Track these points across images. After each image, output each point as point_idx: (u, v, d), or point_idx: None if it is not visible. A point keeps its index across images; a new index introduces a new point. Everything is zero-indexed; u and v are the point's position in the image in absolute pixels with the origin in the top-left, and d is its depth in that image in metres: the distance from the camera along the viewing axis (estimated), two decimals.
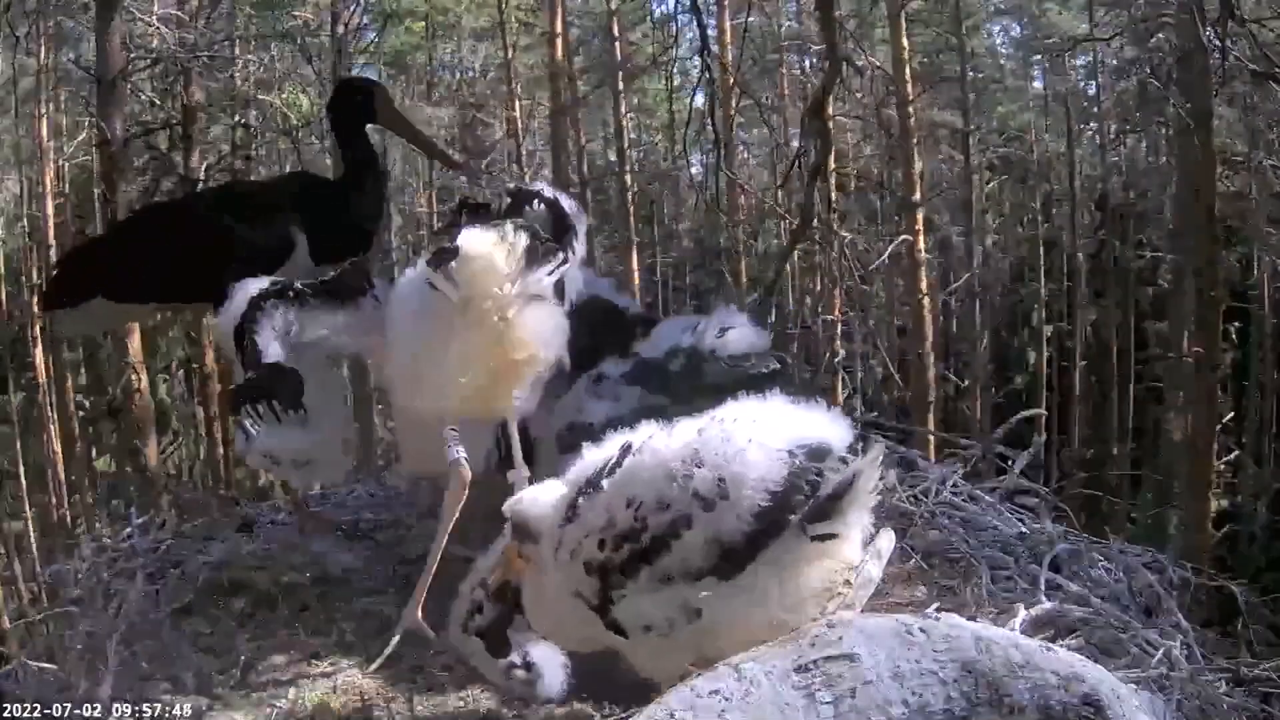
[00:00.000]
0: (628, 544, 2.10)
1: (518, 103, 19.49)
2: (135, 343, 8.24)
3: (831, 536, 2.13)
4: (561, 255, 2.34)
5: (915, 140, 13.78)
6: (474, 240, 2.25)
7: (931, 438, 7.79)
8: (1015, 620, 2.77)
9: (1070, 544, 3.45)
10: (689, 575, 2.12)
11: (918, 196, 13.48)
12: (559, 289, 2.50)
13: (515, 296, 2.34)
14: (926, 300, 13.39)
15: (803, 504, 2.09)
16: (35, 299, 15.77)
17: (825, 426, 2.17)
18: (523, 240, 2.28)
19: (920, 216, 13.54)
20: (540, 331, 2.45)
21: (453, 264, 2.30)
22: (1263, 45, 5.62)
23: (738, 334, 3.21)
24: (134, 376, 7.73)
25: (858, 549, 2.23)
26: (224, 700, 2.83)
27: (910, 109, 13.59)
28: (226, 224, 3.70)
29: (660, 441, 2.15)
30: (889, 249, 13.03)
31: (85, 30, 13.10)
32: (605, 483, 2.15)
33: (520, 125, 19.61)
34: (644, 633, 2.17)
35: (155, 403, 10.76)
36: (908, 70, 13.61)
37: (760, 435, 2.10)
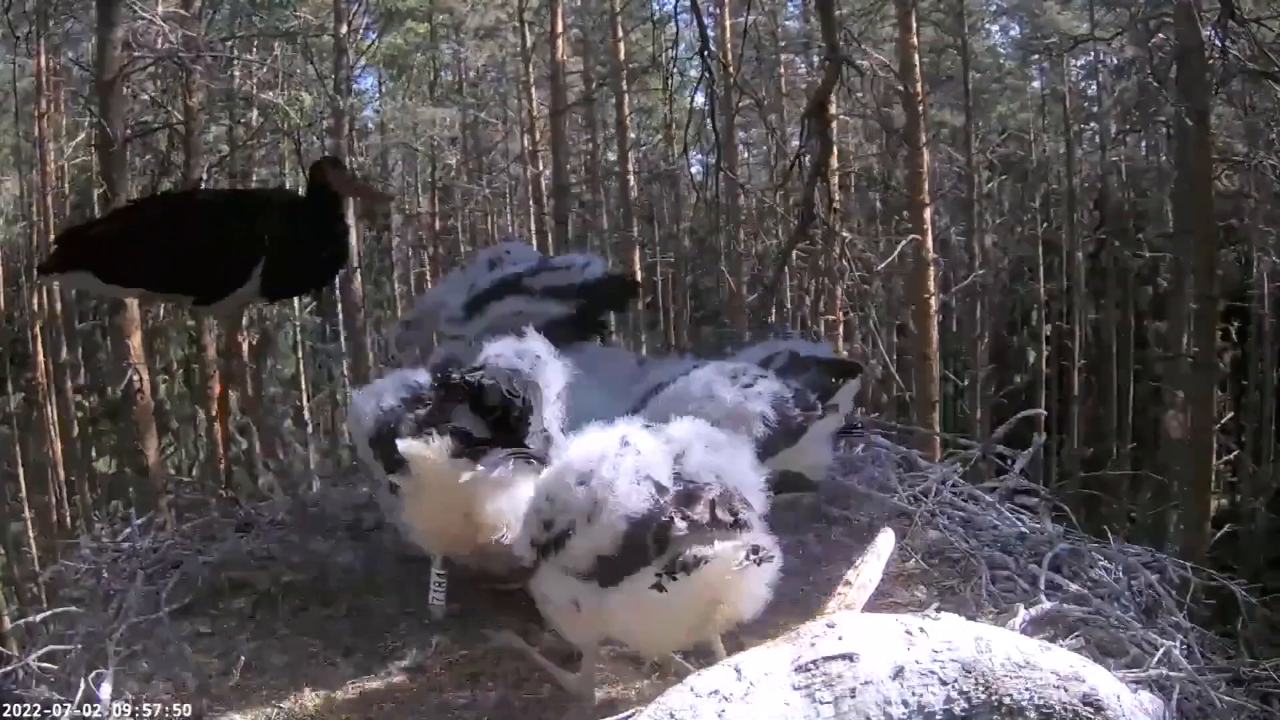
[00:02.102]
0: (545, 531, 2.41)
1: (520, 103, 19.55)
2: (135, 343, 8.24)
3: (681, 576, 2.19)
4: (500, 452, 2.59)
5: (924, 139, 13.73)
6: (408, 450, 2.60)
7: (935, 438, 7.78)
8: (1015, 620, 2.77)
9: (1070, 544, 3.44)
10: (577, 574, 2.37)
11: (925, 196, 13.42)
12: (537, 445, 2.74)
13: (465, 484, 2.62)
14: (934, 301, 13.34)
15: (659, 542, 2.21)
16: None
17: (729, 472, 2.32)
18: (447, 445, 2.59)
19: (928, 216, 13.49)
20: (496, 510, 2.72)
21: (399, 472, 2.71)
22: (1262, 45, 5.62)
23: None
24: (135, 377, 7.73)
25: (736, 595, 2.31)
26: (224, 700, 2.83)
27: (919, 109, 13.53)
28: (201, 238, 3.79)
29: (579, 448, 2.38)
30: (898, 249, 12.98)
31: (86, 30, 13.11)
32: (548, 471, 2.48)
33: (526, 124, 19.65)
34: (546, 604, 2.50)
35: (155, 403, 10.74)
36: (918, 70, 13.56)
37: (639, 467, 2.27)
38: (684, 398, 3.01)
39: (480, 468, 2.58)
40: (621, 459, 2.30)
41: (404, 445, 2.60)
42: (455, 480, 2.61)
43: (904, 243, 12.89)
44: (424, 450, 2.59)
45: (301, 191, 4.15)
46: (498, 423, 2.68)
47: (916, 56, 13.51)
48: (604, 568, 2.32)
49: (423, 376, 2.98)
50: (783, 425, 3.02)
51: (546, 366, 2.91)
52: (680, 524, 2.19)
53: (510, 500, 2.69)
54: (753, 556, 2.20)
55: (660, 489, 2.25)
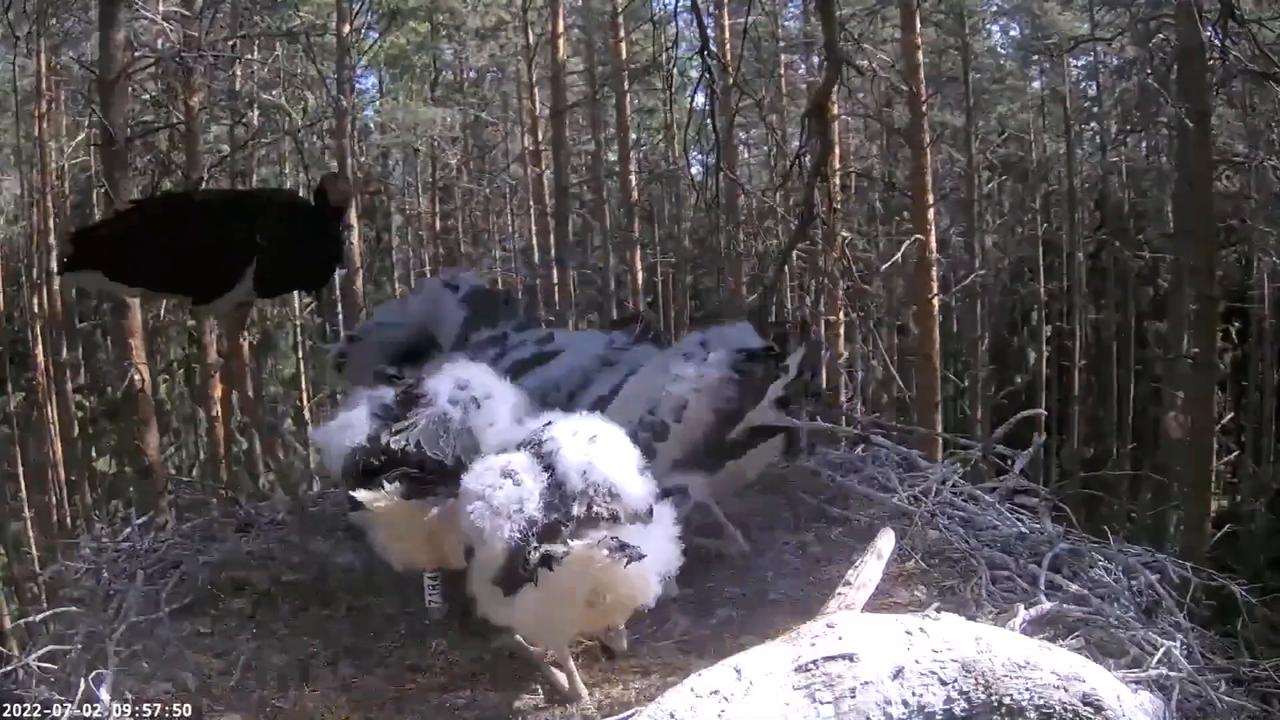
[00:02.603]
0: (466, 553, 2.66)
1: (521, 102, 19.54)
2: (137, 342, 8.24)
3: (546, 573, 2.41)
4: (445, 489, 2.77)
5: (927, 139, 13.70)
6: (364, 499, 2.78)
7: (937, 438, 7.78)
8: (1015, 620, 2.77)
9: (1070, 544, 3.44)
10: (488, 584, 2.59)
11: (929, 196, 13.39)
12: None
13: (425, 518, 2.81)
14: (936, 301, 13.31)
15: (530, 571, 2.41)
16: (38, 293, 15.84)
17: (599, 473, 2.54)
18: (398, 490, 2.78)
19: (931, 216, 13.47)
20: (454, 537, 2.82)
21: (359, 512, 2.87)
22: (1263, 45, 5.62)
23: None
24: (136, 377, 7.72)
25: (614, 586, 2.52)
26: (224, 700, 2.83)
27: (923, 108, 13.51)
28: (195, 239, 3.81)
29: (473, 476, 2.61)
30: (902, 249, 12.95)
31: (87, 29, 13.10)
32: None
33: (527, 124, 19.64)
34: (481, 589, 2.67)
35: (155, 402, 10.74)
36: (922, 70, 13.54)
37: (511, 497, 2.50)
38: (652, 380, 3.30)
39: (434, 510, 2.80)
40: (499, 491, 2.52)
41: (360, 496, 2.79)
42: (410, 518, 2.84)
43: (908, 243, 12.85)
44: (377, 499, 2.78)
45: (303, 192, 4.16)
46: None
47: (920, 55, 13.49)
48: (502, 579, 2.54)
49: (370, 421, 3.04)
50: (747, 383, 3.27)
51: (487, 401, 3.00)
52: (545, 545, 2.41)
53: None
54: (615, 554, 2.39)
55: (530, 521, 2.47)
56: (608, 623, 2.75)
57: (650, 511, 2.60)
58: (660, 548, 2.62)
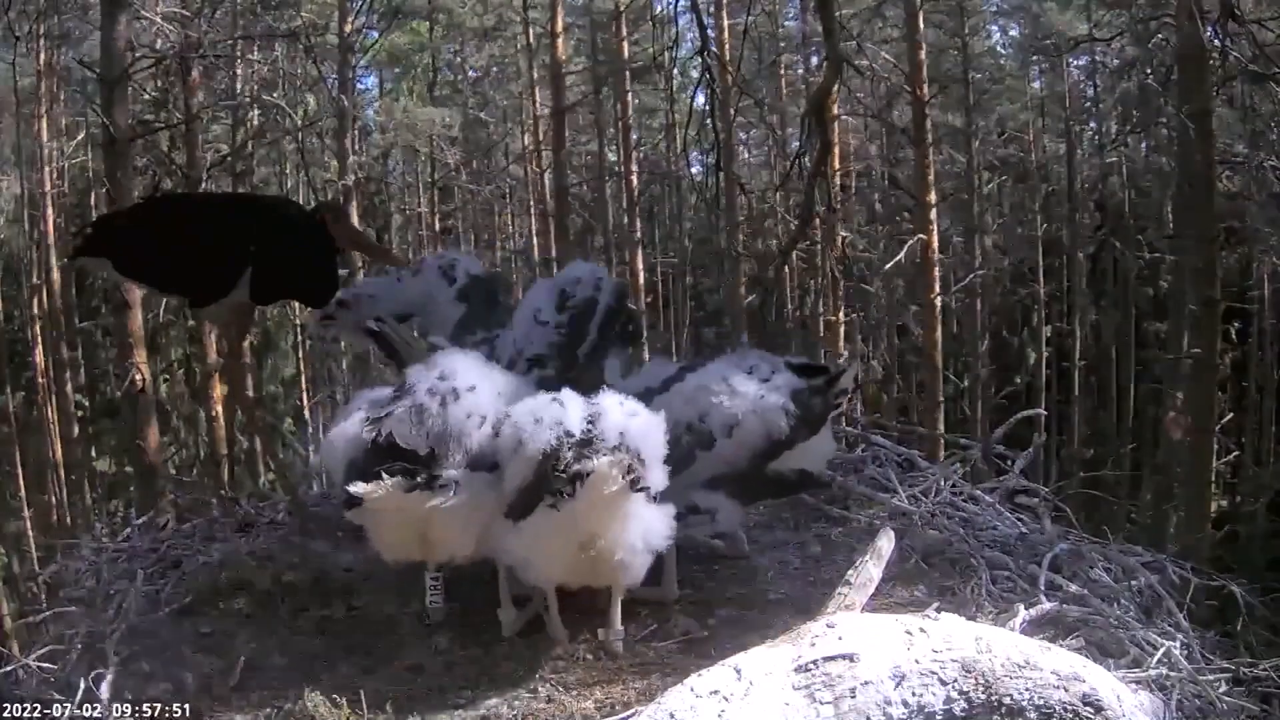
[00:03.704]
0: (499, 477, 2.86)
1: (521, 102, 19.52)
2: (138, 341, 8.24)
3: (561, 502, 2.66)
4: (443, 487, 2.85)
5: (930, 140, 13.69)
6: (363, 493, 2.79)
7: (939, 438, 7.77)
8: (1015, 620, 2.77)
9: (1070, 544, 3.45)
10: (507, 512, 2.84)
11: (932, 196, 13.38)
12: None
13: (420, 512, 2.85)
14: (939, 301, 13.30)
15: (553, 482, 2.65)
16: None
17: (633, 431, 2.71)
18: (399, 484, 2.80)
19: (934, 216, 13.46)
20: (449, 530, 2.94)
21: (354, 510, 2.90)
22: (1263, 45, 5.61)
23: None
24: (137, 376, 7.72)
25: (607, 529, 2.74)
26: (224, 700, 2.83)
27: (926, 109, 13.50)
28: (197, 242, 3.80)
29: (519, 406, 2.82)
30: (905, 249, 12.94)
31: (88, 30, 13.10)
32: None
33: (528, 124, 19.63)
34: (503, 554, 2.92)
35: (155, 402, 10.74)
36: (924, 70, 13.53)
37: (558, 416, 2.71)
38: (704, 391, 3.21)
39: (435, 499, 2.84)
40: (546, 409, 2.75)
41: (357, 489, 2.80)
42: (407, 512, 2.87)
43: (911, 242, 12.84)
44: (374, 491, 2.79)
45: (303, 192, 4.15)
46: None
47: (923, 54, 13.48)
48: (520, 500, 2.77)
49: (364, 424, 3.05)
50: (804, 416, 3.16)
51: (468, 393, 2.98)
52: (569, 454, 2.64)
53: (460, 520, 2.91)
54: (630, 475, 2.64)
55: (568, 434, 2.67)
56: (593, 580, 2.91)
57: (660, 496, 2.78)
58: (653, 528, 2.81)
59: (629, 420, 2.74)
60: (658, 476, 2.76)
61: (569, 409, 2.74)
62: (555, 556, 2.81)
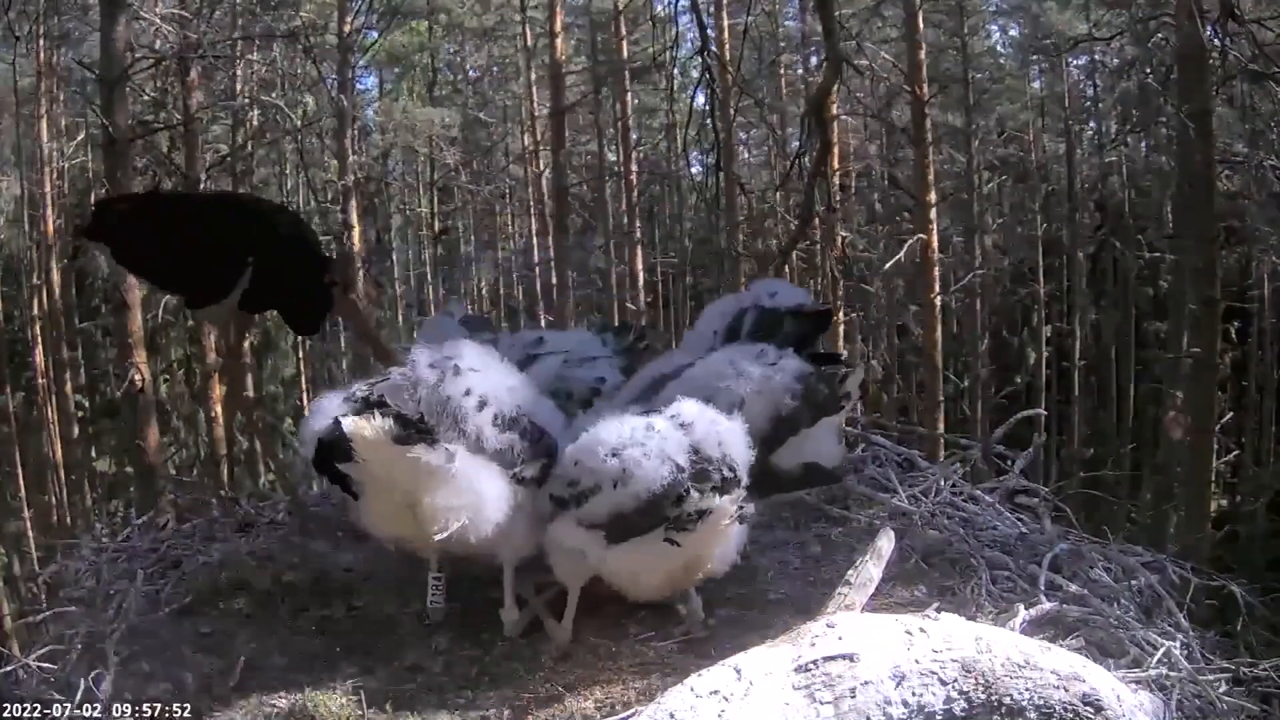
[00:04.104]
0: (568, 489, 2.87)
1: (521, 102, 19.51)
2: (138, 341, 8.25)
3: (679, 541, 2.72)
4: (437, 447, 2.75)
5: (930, 140, 13.69)
6: (352, 427, 2.67)
7: (940, 438, 7.77)
8: (1015, 620, 2.77)
9: (1070, 544, 3.45)
10: (591, 527, 2.83)
11: (932, 197, 13.37)
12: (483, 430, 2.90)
13: (409, 468, 2.74)
14: (938, 300, 13.29)
15: (673, 510, 2.68)
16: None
17: (728, 445, 2.75)
18: (388, 424, 2.68)
19: (934, 216, 13.46)
20: (437, 500, 2.81)
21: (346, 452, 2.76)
22: (1262, 45, 5.62)
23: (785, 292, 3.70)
24: (137, 376, 7.72)
25: (712, 551, 2.85)
26: (224, 700, 2.83)
27: (925, 108, 13.49)
28: (194, 243, 3.77)
29: (606, 430, 2.81)
30: (905, 248, 12.94)
31: (87, 30, 13.10)
32: (570, 447, 2.91)
33: (527, 124, 19.62)
34: (554, 548, 2.96)
35: (155, 402, 10.75)
36: (924, 70, 13.51)
37: (662, 447, 2.71)
38: (711, 376, 3.23)
39: (428, 456, 2.73)
40: (649, 439, 2.74)
41: (348, 423, 2.67)
42: (398, 461, 2.73)
43: (910, 242, 12.84)
44: (365, 428, 2.67)
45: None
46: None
47: (923, 54, 13.47)
48: (618, 524, 2.77)
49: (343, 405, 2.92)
50: (810, 398, 3.19)
51: (470, 371, 2.93)
52: (693, 494, 2.66)
53: (452, 492, 2.81)
54: (740, 511, 2.72)
55: (679, 468, 2.68)
56: (685, 585, 2.99)
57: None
58: (742, 537, 2.95)
59: (725, 435, 2.76)
60: (746, 477, 2.80)
61: (672, 437, 2.74)
62: (656, 575, 2.89)
